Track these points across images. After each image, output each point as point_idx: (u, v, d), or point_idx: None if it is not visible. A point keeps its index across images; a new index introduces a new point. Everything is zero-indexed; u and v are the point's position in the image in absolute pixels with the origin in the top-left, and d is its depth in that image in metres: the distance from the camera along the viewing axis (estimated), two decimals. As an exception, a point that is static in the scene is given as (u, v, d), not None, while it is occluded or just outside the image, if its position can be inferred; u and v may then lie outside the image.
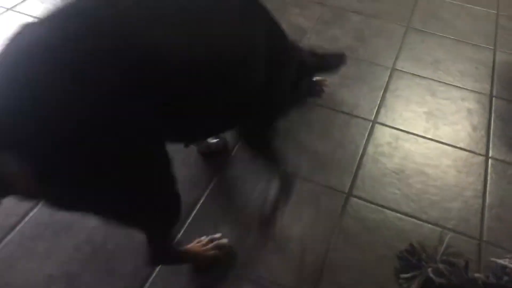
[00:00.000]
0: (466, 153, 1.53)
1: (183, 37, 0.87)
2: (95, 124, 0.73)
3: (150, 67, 0.80)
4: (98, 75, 0.74)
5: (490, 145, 1.56)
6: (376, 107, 1.67)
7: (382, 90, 1.74)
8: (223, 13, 0.97)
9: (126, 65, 0.77)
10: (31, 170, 0.71)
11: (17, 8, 1.98)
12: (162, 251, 1.06)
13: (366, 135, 1.56)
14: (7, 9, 1.97)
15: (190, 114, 0.94)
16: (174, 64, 0.84)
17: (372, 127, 1.59)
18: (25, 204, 1.26)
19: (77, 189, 0.78)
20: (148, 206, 0.90)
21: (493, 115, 1.68)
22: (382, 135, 1.57)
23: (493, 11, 2.24)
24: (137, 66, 0.78)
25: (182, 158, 1.40)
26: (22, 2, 2.02)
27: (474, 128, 1.62)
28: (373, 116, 1.63)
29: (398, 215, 1.33)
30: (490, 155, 1.53)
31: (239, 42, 0.99)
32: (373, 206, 1.35)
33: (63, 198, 0.80)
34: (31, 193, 0.78)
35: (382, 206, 1.35)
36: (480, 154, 1.53)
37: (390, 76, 1.81)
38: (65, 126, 0.71)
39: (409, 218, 1.32)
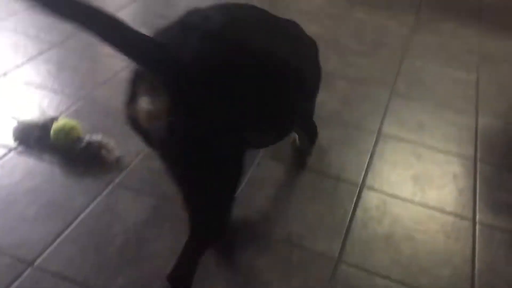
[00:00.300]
0: (454, 217, 1.54)
1: (297, 58, 1.16)
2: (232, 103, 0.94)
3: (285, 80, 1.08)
4: (255, 68, 0.98)
5: (477, 209, 1.58)
6: (364, 171, 1.69)
7: (369, 154, 1.77)
8: (303, 42, 1.33)
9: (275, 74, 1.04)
10: (173, 104, 0.86)
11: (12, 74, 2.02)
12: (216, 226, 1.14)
13: (354, 199, 1.57)
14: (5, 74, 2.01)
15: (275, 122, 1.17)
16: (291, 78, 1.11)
17: (360, 191, 1.61)
18: (12, 272, 1.23)
19: (191, 152, 0.92)
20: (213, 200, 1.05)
21: (478, 179, 1.70)
22: (370, 199, 1.58)
23: (473, 76, 2.33)
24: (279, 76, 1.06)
25: (169, 226, 1.40)
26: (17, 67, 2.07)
27: (460, 192, 1.64)
28: (361, 180, 1.65)
29: (388, 282, 1.32)
30: (477, 219, 1.54)
31: (312, 62, 1.37)
32: (363, 273, 1.33)
33: (174, 147, 0.93)
34: (157, 129, 0.91)
35: (372, 272, 1.34)
36: (467, 219, 1.54)
37: (376, 140, 1.85)
38: (214, 88, 0.90)
39: (400, 286, 1.31)
